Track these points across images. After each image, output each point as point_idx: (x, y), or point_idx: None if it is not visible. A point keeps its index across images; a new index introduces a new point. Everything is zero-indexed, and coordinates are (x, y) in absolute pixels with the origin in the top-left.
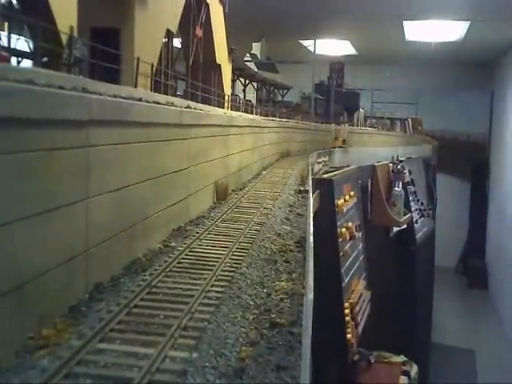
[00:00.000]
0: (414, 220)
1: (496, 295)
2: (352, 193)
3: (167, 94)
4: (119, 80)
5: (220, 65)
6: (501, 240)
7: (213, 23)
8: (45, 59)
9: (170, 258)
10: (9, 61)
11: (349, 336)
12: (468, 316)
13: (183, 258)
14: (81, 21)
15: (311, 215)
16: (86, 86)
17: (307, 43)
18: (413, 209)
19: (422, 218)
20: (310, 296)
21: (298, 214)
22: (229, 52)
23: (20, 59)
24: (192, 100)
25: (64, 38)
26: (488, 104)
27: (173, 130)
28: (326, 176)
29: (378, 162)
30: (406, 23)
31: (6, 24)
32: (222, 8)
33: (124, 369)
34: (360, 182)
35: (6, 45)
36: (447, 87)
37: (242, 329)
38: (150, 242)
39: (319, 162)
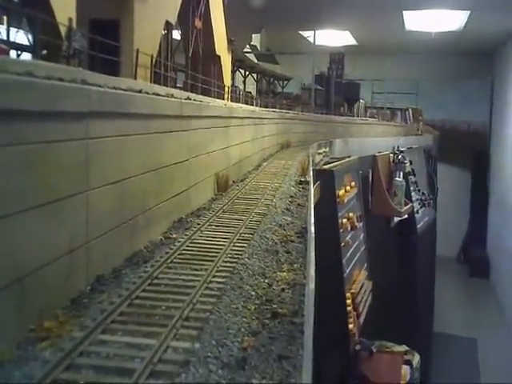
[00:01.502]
0: (415, 210)
1: (497, 284)
2: (353, 183)
3: (167, 86)
4: (119, 72)
5: (220, 56)
6: (502, 229)
7: (212, 14)
8: (44, 52)
9: (171, 249)
10: (8, 53)
11: (350, 326)
12: (469, 305)
13: (184, 250)
14: (80, 12)
15: (312, 206)
16: (85, 78)
17: (307, 34)
18: (414, 199)
19: (423, 208)
20: (312, 286)
21: (298, 204)
22: (228, 43)
23: (19, 52)
24: (192, 91)
25: (63, 30)
26: (488, 93)
27: (173, 122)
28: (326, 167)
29: (379, 153)
30: (405, 13)
31: (5, 17)
32: None
33: (126, 360)
34: (361, 172)
35: (5, 38)
36: (447, 77)
37: (244, 319)
38: (151, 234)
39: (320, 153)
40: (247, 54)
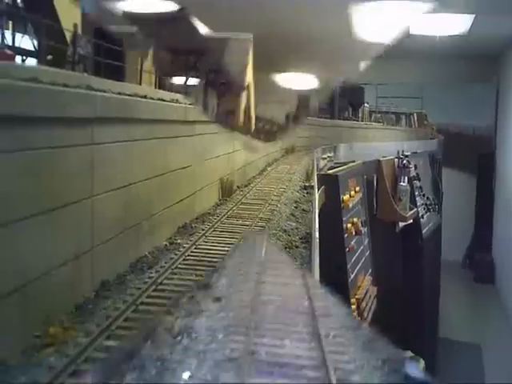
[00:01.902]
0: (420, 215)
1: (503, 290)
2: (357, 188)
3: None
4: (124, 77)
5: None
6: (508, 233)
7: None
8: (49, 57)
9: (175, 255)
10: (13, 59)
11: None
12: (474, 310)
13: (189, 255)
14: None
15: (317, 211)
16: (90, 84)
17: None
18: (419, 204)
19: (428, 213)
20: None
21: (303, 209)
22: None
23: (24, 57)
24: None
25: (68, 36)
26: (493, 97)
27: (178, 127)
28: (331, 172)
29: (384, 157)
30: None
31: (11, 22)
32: None
33: None
34: (365, 177)
35: (10, 43)
36: (452, 81)
37: None
38: (155, 240)
39: (324, 158)
40: None
